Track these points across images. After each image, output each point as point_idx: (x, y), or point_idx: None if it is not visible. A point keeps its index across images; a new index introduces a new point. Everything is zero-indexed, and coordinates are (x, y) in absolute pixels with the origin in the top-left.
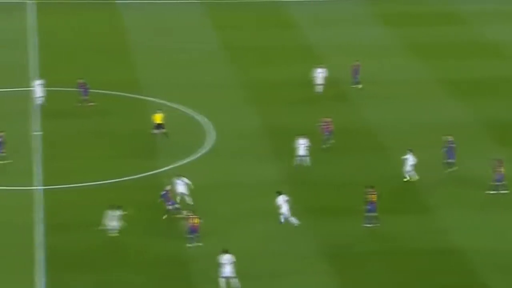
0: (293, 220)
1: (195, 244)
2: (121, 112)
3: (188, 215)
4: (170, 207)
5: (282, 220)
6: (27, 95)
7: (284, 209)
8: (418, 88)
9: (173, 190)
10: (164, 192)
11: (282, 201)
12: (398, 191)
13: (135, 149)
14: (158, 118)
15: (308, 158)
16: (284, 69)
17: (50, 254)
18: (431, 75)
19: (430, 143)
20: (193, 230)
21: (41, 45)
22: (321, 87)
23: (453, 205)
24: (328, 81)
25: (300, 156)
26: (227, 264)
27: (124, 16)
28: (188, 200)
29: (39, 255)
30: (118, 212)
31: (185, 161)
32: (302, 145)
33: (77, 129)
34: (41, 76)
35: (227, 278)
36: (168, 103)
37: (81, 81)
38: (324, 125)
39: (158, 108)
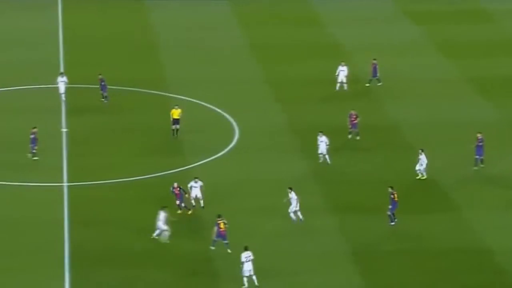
0: (293, 216)
1: (226, 249)
2: (147, 110)
3: (218, 221)
4: (180, 205)
5: (300, 218)
6: (55, 92)
7: (293, 205)
8: (445, 86)
9: (182, 187)
10: (173, 188)
11: (294, 197)
12: (425, 189)
13: (161, 146)
14: (175, 113)
15: (327, 156)
16: (310, 67)
17: (76, 250)
18: (458, 73)
19: (456, 141)
20: (220, 235)
21: (68, 42)
22: (344, 84)
23: (480, 204)
24: (354, 78)
25: (321, 154)
26: (246, 262)
27: (150, 14)
28: (201, 203)
29: (66, 251)
30: (166, 214)
31: (210, 159)
32: (322, 143)
33: (103, 126)
34: (64, 73)
35: (248, 276)
36: (194, 101)
37: (100, 76)
38: (350, 117)
39: (176, 103)
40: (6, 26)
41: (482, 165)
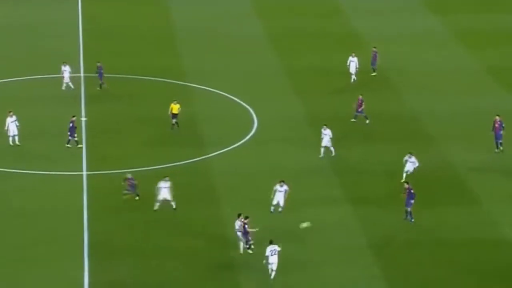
0: (280, 209)
1: (248, 250)
2: (166, 99)
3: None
4: (127, 191)
5: (279, 210)
6: (73, 81)
7: (280, 197)
8: (465, 77)
9: (133, 179)
10: (127, 179)
11: (285, 189)
12: (442, 181)
13: (180, 136)
14: (174, 108)
15: (332, 148)
16: (329, 57)
17: (95, 239)
18: (478, 63)
19: (476, 132)
20: (244, 234)
21: (87, 32)
22: (353, 76)
23: (498, 195)
24: (367, 69)
25: (323, 147)
26: (272, 255)
27: (170, 4)
28: (172, 204)
29: (85, 240)
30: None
31: (228, 149)
32: (326, 136)
33: (121, 115)
34: (67, 62)
35: (271, 268)
36: (213, 90)
37: (98, 64)
38: (358, 102)
39: (175, 99)
40: (26, 16)
41: (501, 148)
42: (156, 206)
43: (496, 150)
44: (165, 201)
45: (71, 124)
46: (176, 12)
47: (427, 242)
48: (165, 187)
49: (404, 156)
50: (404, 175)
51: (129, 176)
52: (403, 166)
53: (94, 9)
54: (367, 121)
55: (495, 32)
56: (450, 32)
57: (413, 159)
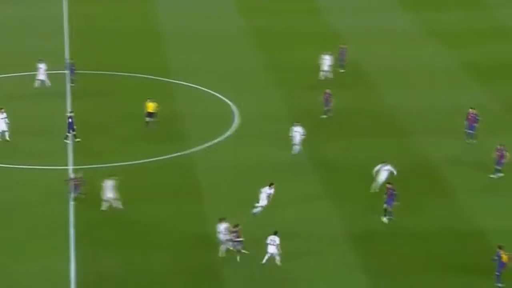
0: (256, 210)
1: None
2: (149, 95)
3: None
4: (73, 194)
5: (255, 211)
6: (61, 77)
7: (265, 199)
8: (439, 73)
9: (80, 179)
10: (72, 179)
11: (270, 192)
12: (419, 173)
13: (162, 131)
14: (150, 106)
15: (300, 147)
16: (310, 54)
17: (81, 232)
18: (452, 60)
19: (450, 127)
20: (235, 241)
21: (73, 30)
22: (328, 73)
23: (472, 187)
24: (352, 65)
25: (294, 144)
26: (270, 245)
27: (153, 2)
28: (116, 204)
29: (71, 233)
30: (227, 225)
31: (210, 144)
32: (297, 133)
33: (106, 111)
34: (44, 60)
35: (270, 256)
36: (195, 86)
37: (71, 61)
38: (324, 96)
39: (149, 97)
40: (12, 14)
41: (473, 141)
42: (104, 206)
43: (467, 141)
44: (112, 200)
45: (69, 120)
46: (159, 9)
47: (404, 233)
48: (109, 186)
49: (379, 163)
50: (378, 184)
51: (74, 175)
52: (375, 176)
53: (79, 7)
54: (324, 116)
55: (471, 30)
56: (426, 29)
57: (388, 167)
